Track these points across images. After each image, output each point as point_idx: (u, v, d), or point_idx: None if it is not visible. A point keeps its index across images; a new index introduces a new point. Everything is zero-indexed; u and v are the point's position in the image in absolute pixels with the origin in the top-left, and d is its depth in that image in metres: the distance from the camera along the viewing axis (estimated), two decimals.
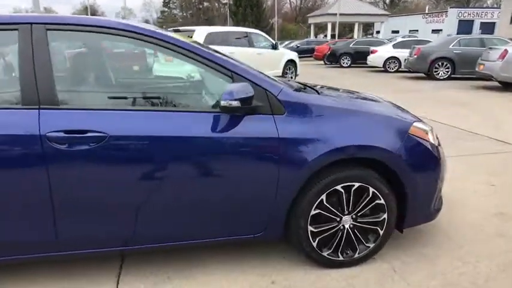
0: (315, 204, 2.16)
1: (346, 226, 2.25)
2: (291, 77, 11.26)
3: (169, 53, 2.04)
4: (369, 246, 2.31)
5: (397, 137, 2.23)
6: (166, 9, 76.33)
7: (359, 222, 2.27)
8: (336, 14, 31.74)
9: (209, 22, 68.88)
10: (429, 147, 2.32)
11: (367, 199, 2.23)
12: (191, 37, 8.74)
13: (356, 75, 14.82)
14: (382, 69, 15.52)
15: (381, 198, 2.22)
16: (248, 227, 2.17)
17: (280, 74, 10.90)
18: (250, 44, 10.06)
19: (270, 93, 2.07)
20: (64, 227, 1.92)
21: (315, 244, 2.23)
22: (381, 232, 2.29)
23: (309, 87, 2.61)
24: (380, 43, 17.43)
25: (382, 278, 2.23)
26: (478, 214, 2.99)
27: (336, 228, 2.24)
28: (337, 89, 2.90)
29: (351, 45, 18.46)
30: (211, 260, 2.39)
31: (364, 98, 2.64)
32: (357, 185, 2.17)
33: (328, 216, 2.21)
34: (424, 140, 2.31)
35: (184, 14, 72.86)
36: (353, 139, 2.13)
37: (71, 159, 1.82)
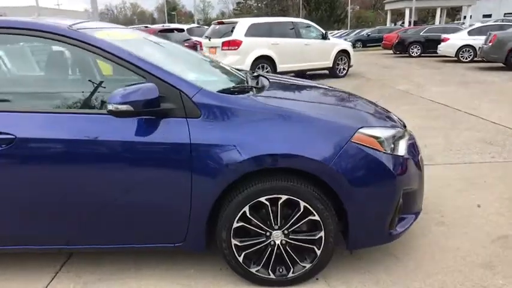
0: (237, 217, 1.97)
1: (277, 242, 2.02)
2: (343, 68, 10.69)
3: (81, 51, 1.98)
4: (305, 266, 2.05)
5: (332, 145, 1.92)
6: (242, 1, 77.53)
7: (292, 239, 2.02)
8: None
9: (283, 12, 68.49)
10: (380, 158, 1.97)
11: (297, 214, 1.97)
12: (233, 29, 8.72)
13: (422, 65, 13.57)
14: (455, 59, 13.99)
15: (315, 214, 1.95)
16: (166, 236, 2.06)
17: (331, 65, 10.41)
18: (297, 35, 9.72)
19: (185, 95, 1.91)
20: None
21: (240, 259, 2.04)
22: (318, 252, 2.02)
23: (257, 88, 2.35)
24: (455, 30, 15.71)
25: None
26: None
27: (264, 244, 2.03)
28: (303, 86, 2.63)
29: (421, 33, 16.92)
30: (146, 265, 2.33)
31: (320, 100, 2.34)
32: (284, 197, 1.93)
33: (254, 230, 2.01)
34: (374, 149, 1.97)
35: (259, 4, 73.33)
36: (271, 147, 1.88)
37: None
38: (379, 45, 21.70)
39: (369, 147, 1.96)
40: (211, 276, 2.20)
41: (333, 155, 1.90)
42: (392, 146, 2.08)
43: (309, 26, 10.22)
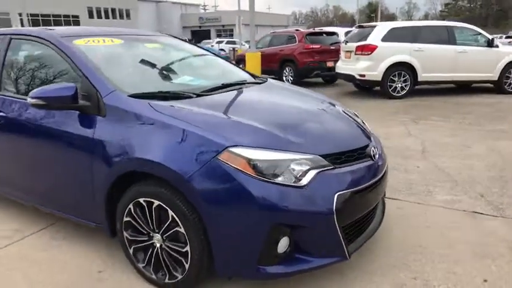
0: (126, 212, 2.11)
1: (157, 245, 2.07)
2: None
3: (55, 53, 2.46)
4: (177, 277, 2.03)
5: (195, 159, 1.83)
6: (451, 1, 69.67)
7: (167, 246, 2.03)
8: None
9: (504, 14, 58.64)
10: (245, 182, 1.76)
11: (167, 222, 1.97)
12: (370, 33, 8.26)
13: None
14: None
15: (181, 226, 1.91)
16: (85, 214, 2.37)
17: (496, 79, 8.52)
18: (451, 41, 8.34)
19: (100, 95, 2.17)
20: None
21: (131, 251, 2.18)
22: (186, 266, 1.97)
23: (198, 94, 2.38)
24: None
25: None
26: None
27: (147, 243, 2.10)
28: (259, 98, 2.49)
29: None
30: (72, 232, 2.74)
31: (240, 113, 2.17)
32: (156, 203, 1.97)
33: (138, 228, 2.11)
34: (241, 171, 1.78)
35: (472, 5, 64.27)
36: (141, 151, 1.95)
37: None
38: None
39: (235, 168, 1.78)
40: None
41: (193, 168, 1.82)
42: (282, 172, 1.81)
43: (470, 31, 8.61)
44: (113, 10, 47.01)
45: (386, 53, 8.21)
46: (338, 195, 1.88)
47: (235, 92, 2.57)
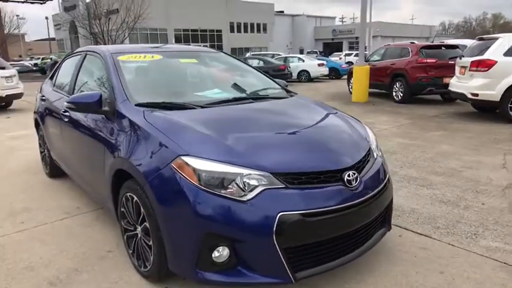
0: (121, 202, 2.45)
1: (139, 236, 2.34)
2: None
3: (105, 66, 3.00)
4: (147, 267, 2.26)
5: (156, 163, 2.05)
6: None
7: (142, 238, 2.28)
8: None
9: None
10: (187, 190, 1.90)
11: (141, 217, 2.23)
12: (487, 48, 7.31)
13: None
14: None
15: (147, 221, 2.15)
16: (104, 201, 2.81)
17: None
18: None
19: (116, 102, 2.57)
20: None
21: (125, 238, 2.52)
22: (151, 258, 2.19)
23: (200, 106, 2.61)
24: None
25: None
26: None
27: (133, 233, 2.39)
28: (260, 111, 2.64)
29: None
30: (109, 215, 3.15)
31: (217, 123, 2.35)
32: (135, 198, 2.24)
33: (128, 218, 2.42)
34: (187, 180, 1.91)
35: None
36: (124, 152, 2.28)
37: None
38: None
39: (182, 175, 1.93)
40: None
41: (153, 172, 2.04)
42: (227, 184, 1.89)
43: None
44: (252, 24, 50.66)
45: (509, 70, 7.04)
46: (281, 215, 1.86)
47: (238, 106, 2.70)
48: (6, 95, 10.00)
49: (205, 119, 2.40)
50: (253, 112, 2.67)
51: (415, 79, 9.86)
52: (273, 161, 2.00)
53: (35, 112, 4.51)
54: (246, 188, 1.89)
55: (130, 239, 2.45)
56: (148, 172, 2.07)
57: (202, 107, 2.60)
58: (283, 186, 1.93)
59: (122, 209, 2.46)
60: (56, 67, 4.36)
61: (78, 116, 3.03)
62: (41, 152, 4.60)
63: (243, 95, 3.09)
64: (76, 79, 3.46)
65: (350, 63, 24.71)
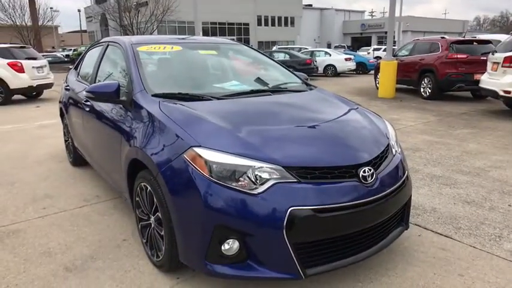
0: (134, 191, 2.48)
1: (153, 225, 2.36)
2: None
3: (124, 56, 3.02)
4: (160, 257, 2.27)
5: (169, 154, 2.05)
6: None
7: (155, 227, 2.30)
8: None
9: None
10: (198, 182, 1.88)
11: (154, 207, 2.24)
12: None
13: None
14: None
15: (160, 211, 2.16)
16: (120, 189, 2.84)
17: None
18: None
19: (133, 92, 2.59)
20: None
21: (139, 227, 2.54)
22: (163, 248, 2.20)
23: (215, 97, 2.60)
24: None
25: None
26: None
27: (147, 222, 2.41)
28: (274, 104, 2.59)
29: None
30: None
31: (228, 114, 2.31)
32: (148, 188, 2.26)
33: (142, 208, 2.44)
34: (198, 171, 1.90)
35: None
36: (140, 141, 2.29)
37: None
38: None
39: (194, 167, 1.92)
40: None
41: (166, 163, 2.04)
42: (238, 177, 1.87)
43: None
44: (279, 18, 50.24)
45: None
46: (292, 209, 1.82)
47: (255, 99, 2.67)
48: (37, 85, 10.33)
49: (221, 110, 2.37)
50: (269, 105, 2.63)
51: (444, 75, 9.51)
52: (285, 155, 1.96)
53: (60, 101, 4.63)
54: (258, 181, 1.86)
55: (144, 228, 2.47)
56: (161, 162, 2.07)
57: (218, 98, 2.58)
58: (296, 180, 1.89)
59: (137, 199, 2.48)
60: (80, 57, 4.45)
61: (98, 105, 3.07)
62: (65, 141, 4.72)
63: (261, 87, 3.05)
64: (98, 69, 3.51)
65: (378, 58, 24.11)
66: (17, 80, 9.98)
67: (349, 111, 2.68)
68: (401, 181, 2.25)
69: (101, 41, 3.90)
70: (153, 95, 2.53)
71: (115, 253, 2.58)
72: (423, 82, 10.22)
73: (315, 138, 2.17)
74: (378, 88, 11.34)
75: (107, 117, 2.89)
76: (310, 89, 3.14)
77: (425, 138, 5.76)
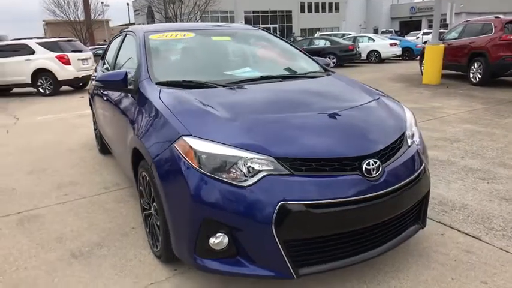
0: (138, 180, 2.46)
1: (153, 215, 2.32)
2: None
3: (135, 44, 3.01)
4: (158, 247, 2.24)
5: (162, 143, 1.98)
6: None
7: (155, 217, 2.26)
8: None
9: None
10: (185, 172, 1.80)
11: (152, 196, 2.20)
12: None
13: None
14: None
15: (156, 201, 2.11)
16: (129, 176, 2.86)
17: None
18: None
19: (138, 81, 2.56)
20: None
21: (143, 216, 2.53)
22: (160, 239, 2.16)
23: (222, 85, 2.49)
24: None
25: None
26: None
27: (149, 212, 2.38)
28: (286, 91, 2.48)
29: None
30: None
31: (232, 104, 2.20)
32: (147, 178, 2.22)
33: (144, 197, 2.41)
34: (186, 161, 1.81)
35: None
36: (138, 129, 2.26)
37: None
38: None
39: (184, 157, 1.84)
40: None
41: (158, 152, 1.98)
42: (227, 168, 1.76)
43: None
44: (323, 4, 48.91)
45: None
46: (282, 204, 1.69)
47: (262, 86, 2.54)
48: (82, 76, 10.83)
49: (221, 98, 2.27)
50: (275, 92, 2.49)
51: (497, 58, 8.71)
52: (278, 145, 1.82)
53: (88, 92, 4.77)
54: (250, 173, 1.75)
55: (147, 217, 2.45)
56: (154, 151, 2.02)
57: (224, 86, 2.48)
58: (288, 173, 1.75)
59: (140, 188, 2.46)
60: (105, 48, 4.54)
61: (112, 94, 3.09)
62: (95, 130, 4.87)
63: (274, 73, 2.89)
64: (116, 59, 3.54)
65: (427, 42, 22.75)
66: (64, 72, 10.54)
67: (362, 97, 2.47)
68: (414, 175, 2.03)
69: (123, 30, 3.93)
70: (157, 83, 2.47)
71: (121, 241, 2.59)
72: (473, 67, 9.45)
73: (315, 127, 2.01)
74: (422, 74, 10.66)
75: (118, 106, 2.90)
76: (328, 75, 2.95)
77: (468, 128, 5.30)
